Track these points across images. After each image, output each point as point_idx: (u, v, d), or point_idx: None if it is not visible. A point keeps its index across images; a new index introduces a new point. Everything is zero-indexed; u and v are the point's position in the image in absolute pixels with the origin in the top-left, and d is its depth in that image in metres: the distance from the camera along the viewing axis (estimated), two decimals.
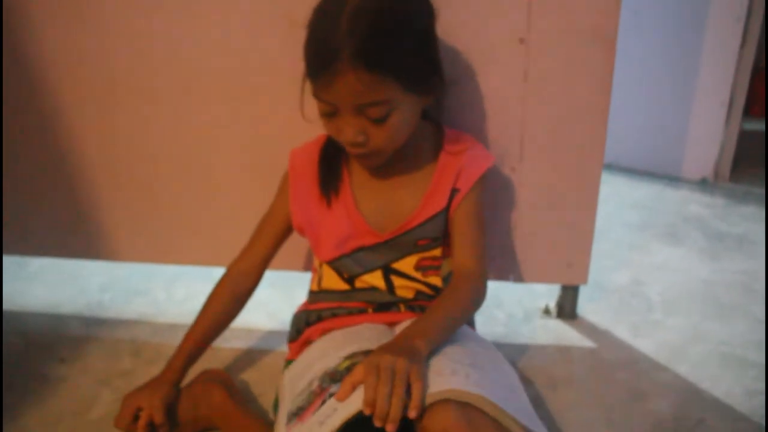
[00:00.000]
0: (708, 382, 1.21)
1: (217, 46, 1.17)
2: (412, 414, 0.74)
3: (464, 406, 0.75)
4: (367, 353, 0.87)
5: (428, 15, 0.92)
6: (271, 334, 1.38)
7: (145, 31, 1.18)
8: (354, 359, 0.88)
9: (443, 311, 0.93)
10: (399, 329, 0.98)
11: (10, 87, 1.25)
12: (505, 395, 0.81)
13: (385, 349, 0.81)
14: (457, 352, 0.87)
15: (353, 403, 0.76)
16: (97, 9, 1.17)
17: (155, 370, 1.07)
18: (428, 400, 0.76)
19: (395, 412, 0.73)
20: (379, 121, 0.89)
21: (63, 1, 1.17)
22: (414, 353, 0.81)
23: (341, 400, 0.78)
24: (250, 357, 1.30)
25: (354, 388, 0.78)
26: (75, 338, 1.37)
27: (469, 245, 1.03)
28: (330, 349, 0.95)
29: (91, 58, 1.21)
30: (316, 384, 0.87)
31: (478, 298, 1.01)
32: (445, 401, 0.75)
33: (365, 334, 0.97)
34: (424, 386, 0.76)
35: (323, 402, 0.81)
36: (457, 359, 0.85)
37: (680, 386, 1.20)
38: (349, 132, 0.90)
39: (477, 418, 0.74)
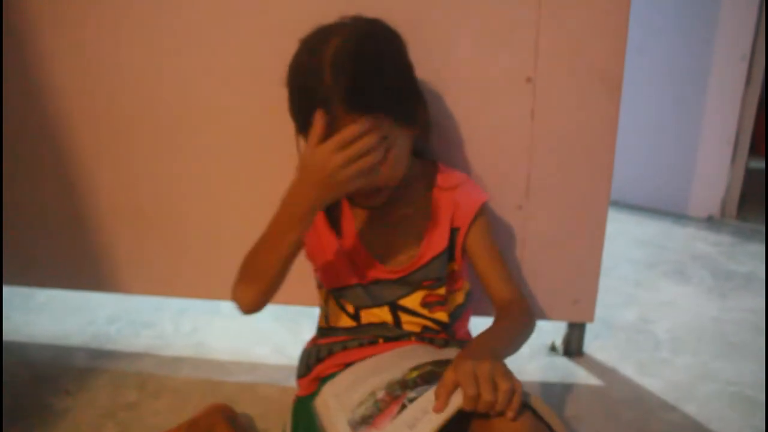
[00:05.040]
0: (717, 422, 1.20)
1: (226, 83, 1.20)
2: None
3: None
4: (435, 363, 0.88)
5: (401, 46, 0.94)
6: (276, 369, 1.38)
7: (156, 66, 1.20)
8: (422, 369, 0.88)
9: (502, 329, 0.95)
10: (445, 350, 0.99)
11: (19, 120, 1.27)
12: None
13: (468, 355, 0.79)
14: None
15: (451, 405, 0.75)
16: (101, 46, 1.20)
17: (160, 403, 1.07)
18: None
19: (505, 402, 0.72)
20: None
21: (73, 42, 1.20)
22: (495, 356, 0.80)
23: (440, 410, 0.75)
24: (254, 391, 1.29)
25: (449, 394, 0.76)
26: (81, 370, 1.37)
27: (496, 277, 1.04)
28: (385, 364, 0.95)
29: (101, 94, 1.23)
30: (382, 393, 0.86)
31: (528, 321, 1.00)
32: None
33: (420, 351, 0.97)
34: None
35: (403, 406, 0.80)
36: None
37: (689, 426, 1.19)
38: None
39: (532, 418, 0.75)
